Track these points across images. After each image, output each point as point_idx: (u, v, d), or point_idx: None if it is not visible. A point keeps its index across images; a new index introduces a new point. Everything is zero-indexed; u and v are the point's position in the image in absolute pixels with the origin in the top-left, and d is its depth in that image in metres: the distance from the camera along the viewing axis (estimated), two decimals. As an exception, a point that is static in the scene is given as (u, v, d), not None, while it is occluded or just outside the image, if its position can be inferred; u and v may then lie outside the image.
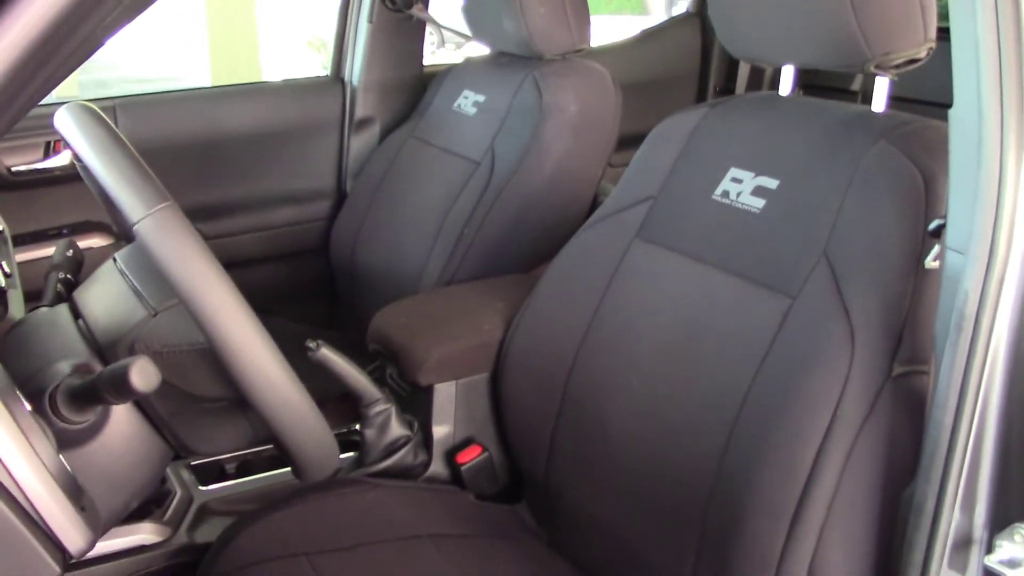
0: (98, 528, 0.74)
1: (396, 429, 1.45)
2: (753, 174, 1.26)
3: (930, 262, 1.04)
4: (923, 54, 1.17)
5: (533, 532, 1.45)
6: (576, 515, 1.38)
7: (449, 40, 2.25)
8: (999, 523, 0.96)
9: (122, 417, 0.90)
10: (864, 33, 1.13)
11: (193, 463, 1.56)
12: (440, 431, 1.51)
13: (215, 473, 1.56)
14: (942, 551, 0.96)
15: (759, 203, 1.24)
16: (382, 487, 1.42)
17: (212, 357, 0.87)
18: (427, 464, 1.50)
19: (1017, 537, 0.94)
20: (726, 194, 1.28)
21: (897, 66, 1.18)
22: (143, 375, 0.77)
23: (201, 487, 1.50)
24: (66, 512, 0.70)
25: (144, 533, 1.36)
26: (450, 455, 1.51)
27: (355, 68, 2.23)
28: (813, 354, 1.08)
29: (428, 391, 1.50)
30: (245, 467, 1.58)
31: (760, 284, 1.19)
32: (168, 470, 1.50)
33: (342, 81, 2.25)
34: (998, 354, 0.92)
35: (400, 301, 1.66)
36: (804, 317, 1.12)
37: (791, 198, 1.21)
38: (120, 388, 0.78)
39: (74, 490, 0.74)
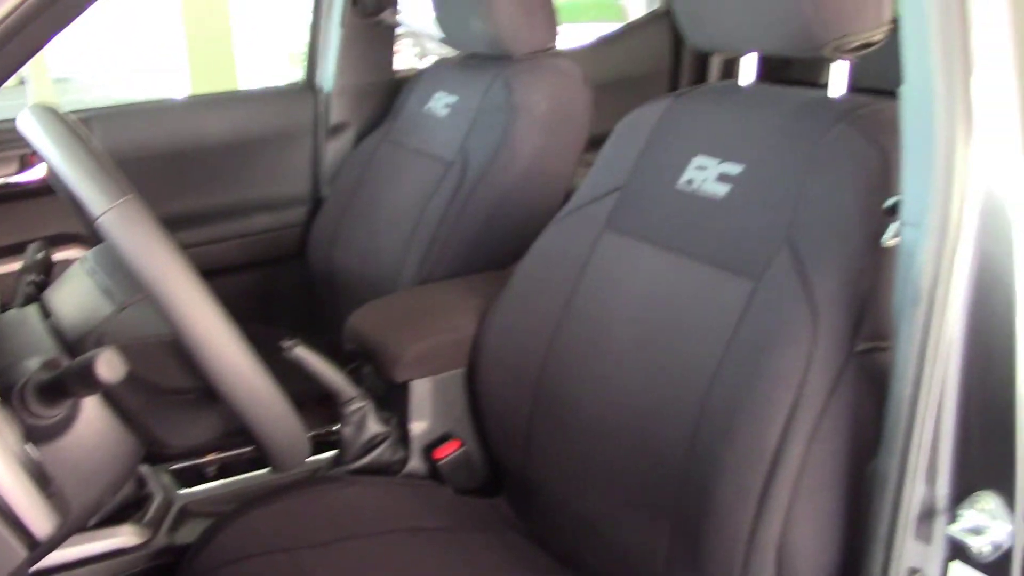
0: (67, 515, 0.75)
1: (373, 426, 1.46)
2: (717, 160, 1.28)
3: (888, 240, 1.06)
4: (878, 36, 1.19)
5: (512, 525, 1.46)
6: (553, 505, 1.39)
7: (431, 52, 2.27)
8: (961, 493, 0.97)
9: (92, 412, 0.91)
10: (820, 17, 1.15)
11: (172, 467, 1.56)
12: (417, 427, 1.52)
13: (195, 477, 1.57)
14: (906, 522, 0.98)
15: (723, 189, 1.25)
16: (360, 483, 1.43)
17: (180, 348, 0.88)
18: (405, 460, 1.51)
19: (979, 505, 0.95)
20: (690, 182, 1.30)
21: (854, 49, 1.20)
22: (109, 365, 0.78)
23: (181, 490, 1.50)
24: (31, 497, 0.71)
25: (124, 536, 1.36)
26: (428, 451, 1.52)
27: (328, 74, 2.24)
28: (777, 334, 1.10)
29: (404, 388, 1.51)
30: (225, 470, 1.58)
31: (725, 269, 1.20)
32: (147, 474, 1.51)
33: (315, 87, 2.27)
34: (954, 325, 0.94)
35: (375, 301, 1.67)
36: (767, 298, 1.14)
37: (754, 183, 1.23)
38: (87, 379, 0.79)
39: (39, 476, 0.75)
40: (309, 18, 2.28)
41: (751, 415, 1.08)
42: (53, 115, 0.97)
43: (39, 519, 0.71)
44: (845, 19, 1.16)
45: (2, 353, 0.94)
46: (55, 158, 0.92)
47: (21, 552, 0.70)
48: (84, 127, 0.98)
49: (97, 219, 0.86)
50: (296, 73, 2.38)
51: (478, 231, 1.81)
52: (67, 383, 0.82)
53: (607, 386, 1.30)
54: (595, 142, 1.88)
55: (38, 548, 0.72)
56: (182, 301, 0.85)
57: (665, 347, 1.24)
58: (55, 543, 0.74)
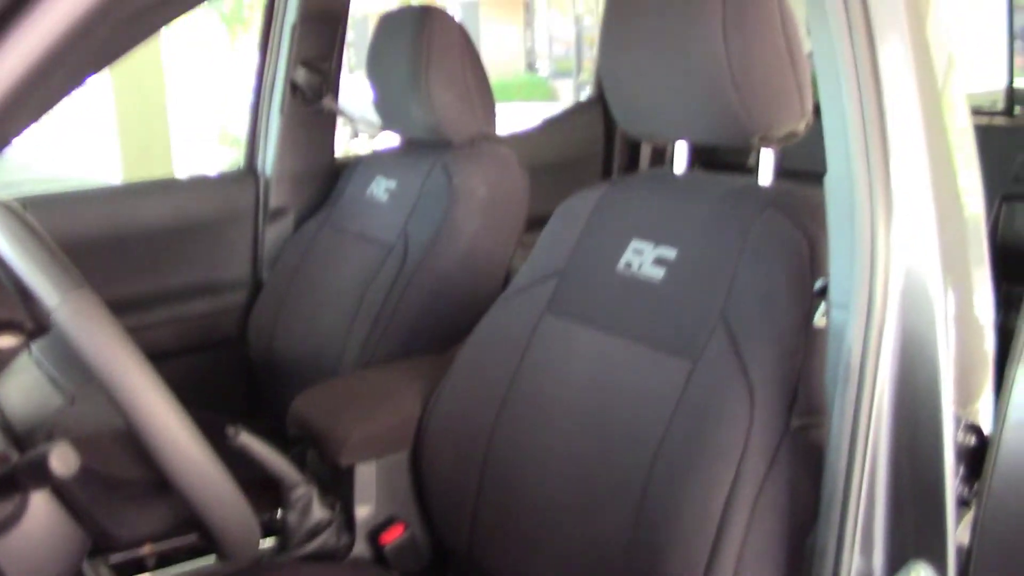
0: None
1: (318, 512, 1.45)
2: (653, 244, 1.33)
3: (818, 320, 1.11)
4: (802, 127, 1.26)
5: (459, 607, 1.46)
6: (500, 586, 1.39)
7: (363, 131, 2.31)
8: (896, 563, 1.01)
9: (40, 506, 0.90)
10: (746, 109, 1.22)
11: (112, 561, 1.53)
12: (362, 511, 1.51)
13: (134, 568, 1.54)
14: (845, 594, 1.01)
15: (659, 272, 1.30)
16: (306, 570, 1.42)
17: (130, 440, 0.89)
18: (350, 546, 1.50)
19: (913, 575, 0.99)
20: (628, 265, 1.34)
21: (780, 139, 1.27)
22: (63, 459, 0.78)
23: (120, 583, 1.47)
24: None
25: (62, 632, 1.33)
26: (374, 535, 1.52)
27: (268, 159, 2.27)
28: (716, 412, 1.14)
29: (349, 472, 1.51)
30: (164, 560, 1.56)
31: (664, 350, 1.24)
32: (86, 567, 1.47)
33: (255, 172, 2.29)
34: (883, 401, 0.99)
35: (319, 385, 1.67)
36: (705, 378, 1.18)
37: (689, 266, 1.27)
38: (39, 474, 0.79)
39: None
40: (249, 103, 2.31)
41: (694, 491, 1.12)
42: (3, 208, 0.98)
43: None
44: (771, 111, 1.23)
45: None
46: (6, 249, 0.93)
47: None
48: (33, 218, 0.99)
49: (51, 311, 0.87)
50: (225, 153, 2.40)
51: (419, 313, 1.83)
52: (19, 477, 0.82)
53: (553, 466, 1.32)
54: (532, 223, 1.93)
55: None
56: (137, 393, 0.86)
57: (609, 427, 1.27)
58: None
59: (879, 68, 0.99)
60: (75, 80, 0.60)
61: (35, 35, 0.53)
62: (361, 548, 1.51)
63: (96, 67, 0.62)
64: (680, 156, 1.42)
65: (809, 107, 1.25)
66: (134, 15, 0.58)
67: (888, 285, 0.98)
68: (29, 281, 0.89)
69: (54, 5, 0.53)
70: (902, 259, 0.99)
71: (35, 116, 0.61)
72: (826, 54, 1.01)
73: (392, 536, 1.51)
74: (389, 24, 1.96)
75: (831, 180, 1.03)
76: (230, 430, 1.36)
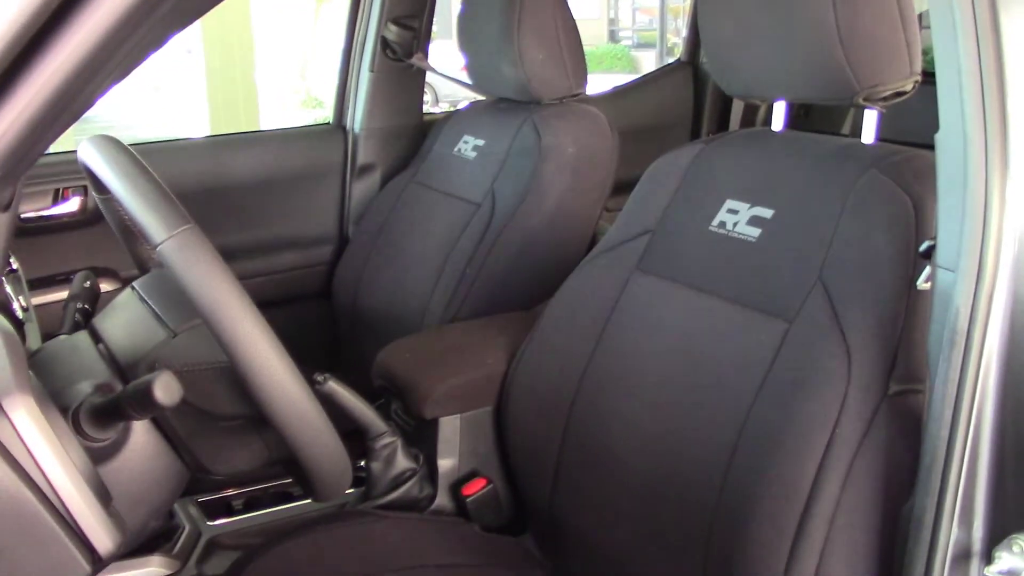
0: (125, 533, 0.77)
1: (402, 462, 1.47)
2: (749, 205, 1.30)
3: (922, 283, 1.08)
4: (909, 87, 1.22)
5: (538, 563, 1.47)
6: (581, 544, 1.39)
7: (443, 99, 2.32)
8: (997, 535, 0.98)
9: (141, 436, 0.92)
10: (852, 66, 1.18)
11: (200, 499, 1.57)
12: (445, 464, 1.53)
13: (222, 509, 1.57)
14: (942, 564, 0.98)
15: (755, 232, 1.27)
16: (389, 519, 1.44)
17: (230, 375, 0.90)
18: (433, 497, 1.52)
19: (1015, 548, 0.96)
20: (723, 224, 1.32)
21: (885, 99, 1.23)
22: (167, 389, 0.80)
23: (209, 522, 1.51)
24: (96, 514, 0.73)
25: (154, 566, 1.37)
26: (455, 488, 1.53)
27: (357, 116, 2.28)
28: (811, 375, 1.11)
29: (433, 424, 1.52)
30: (252, 503, 1.59)
31: (758, 310, 1.22)
32: (176, 506, 1.52)
33: (344, 128, 2.31)
34: (990, 367, 0.95)
35: (405, 338, 1.69)
36: (801, 339, 1.15)
37: (786, 226, 1.25)
38: (144, 402, 0.81)
39: (103, 494, 0.77)
40: (339, 60, 2.32)
41: (785, 455, 1.09)
42: (115, 144, 1.00)
43: (103, 537, 0.73)
44: (877, 68, 1.19)
45: (54, 377, 0.96)
46: (117, 185, 0.95)
47: (86, 567, 0.72)
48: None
49: (158, 245, 0.88)
50: (308, 116, 2.40)
51: (505, 272, 1.83)
52: (123, 405, 0.84)
53: (638, 424, 1.31)
54: (618, 187, 1.91)
55: (99, 565, 0.73)
56: (240, 328, 0.88)
57: (697, 386, 1.25)
58: (111, 562, 0.75)
59: (1000, 24, 0.95)
60: (159, 38, 0.61)
61: None
62: (443, 500, 1.53)
63: (180, 24, 0.62)
64: (778, 115, 1.38)
65: (918, 66, 1.21)
66: None
67: (1000, 247, 0.94)
68: (137, 215, 0.91)
69: None
70: (1016, 221, 0.95)
71: (121, 74, 0.62)
72: (943, 8, 0.97)
73: (474, 489, 1.52)
74: None
75: (943, 138, 0.99)
76: (318, 377, 1.38)
